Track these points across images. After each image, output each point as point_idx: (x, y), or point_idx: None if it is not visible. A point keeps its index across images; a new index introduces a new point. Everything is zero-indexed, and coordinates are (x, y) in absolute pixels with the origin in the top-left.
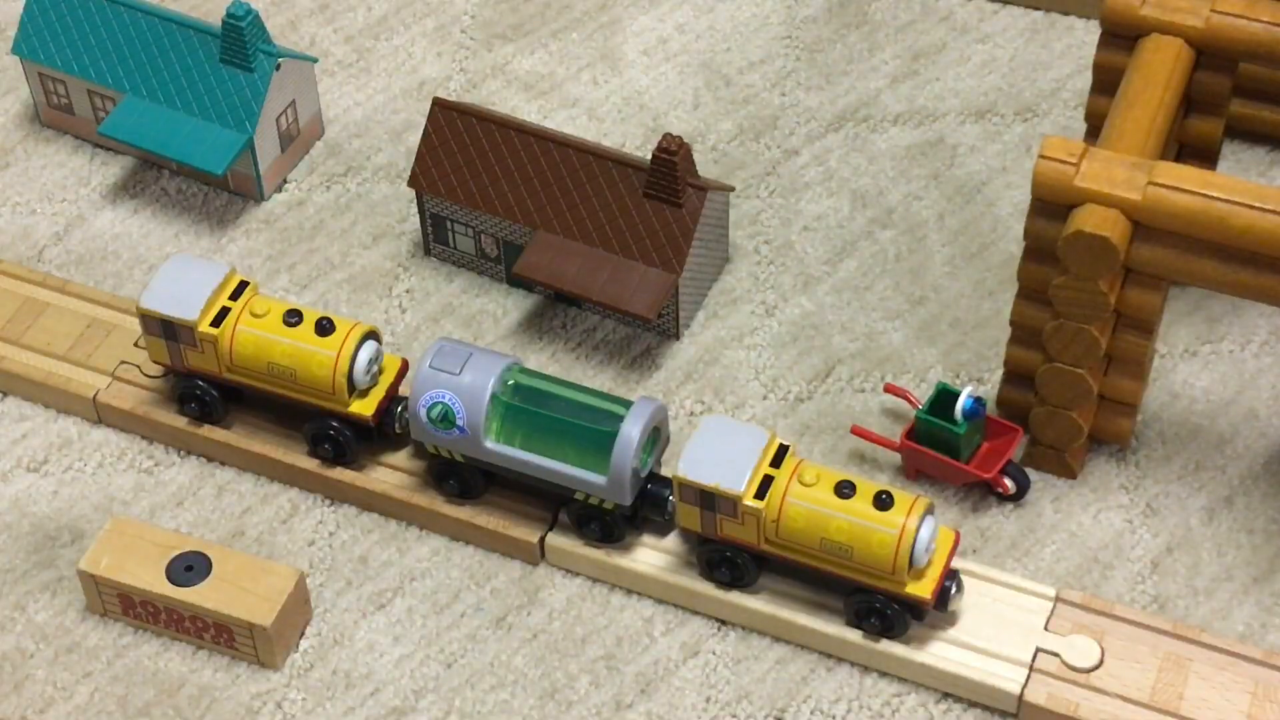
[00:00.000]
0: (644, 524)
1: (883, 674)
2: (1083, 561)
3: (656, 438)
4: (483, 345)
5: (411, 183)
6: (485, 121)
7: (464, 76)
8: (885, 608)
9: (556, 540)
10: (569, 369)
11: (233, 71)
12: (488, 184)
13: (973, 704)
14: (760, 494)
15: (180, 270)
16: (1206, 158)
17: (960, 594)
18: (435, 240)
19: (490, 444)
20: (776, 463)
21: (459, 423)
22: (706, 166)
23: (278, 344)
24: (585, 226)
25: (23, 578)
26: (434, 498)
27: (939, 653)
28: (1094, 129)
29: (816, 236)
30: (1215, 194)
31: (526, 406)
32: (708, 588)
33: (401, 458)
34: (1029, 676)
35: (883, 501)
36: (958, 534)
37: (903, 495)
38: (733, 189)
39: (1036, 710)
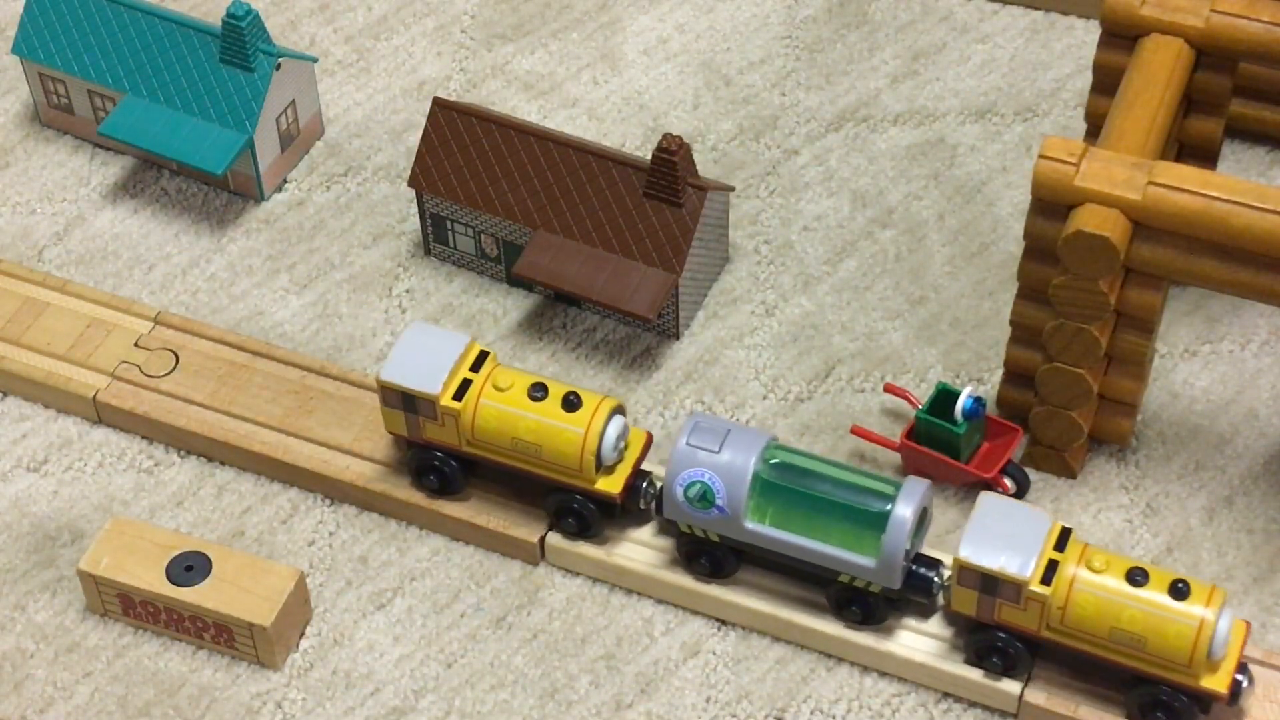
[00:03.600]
0: (906, 605)
1: (883, 674)
2: None
3: (924, 518)
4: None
5: (411, 183)
6: (485, 121)
7: (464, 76)
8: (1173, 700)
9: (556, 540)
10: (569, 369)
11: (233, 71)
12: (488, 184)
13: (973, 704)
14: (1045, 579)
15: (419, 340)
16: (1206, 158)
17: (1252, 687)
18: (435, 240)
19: (750, 524)
20: (1060, 546)
21: (718, 502)
22: (706, 166)
23: (523, 419)
24: (585, 226)
25: (23, 578)
26: (434, 498)
27: (939, 653)
28: (1094, 129)
29: (816, 236)
30: (1215, 194)
31: (787, 485)
32: (707, 587)
33: (646, 533)
34: (1028, 676)
35: (1179, 591)
36: (1248, 625)
37: (1199, 584)
38: (733, 189)
39: (1036, 710)
